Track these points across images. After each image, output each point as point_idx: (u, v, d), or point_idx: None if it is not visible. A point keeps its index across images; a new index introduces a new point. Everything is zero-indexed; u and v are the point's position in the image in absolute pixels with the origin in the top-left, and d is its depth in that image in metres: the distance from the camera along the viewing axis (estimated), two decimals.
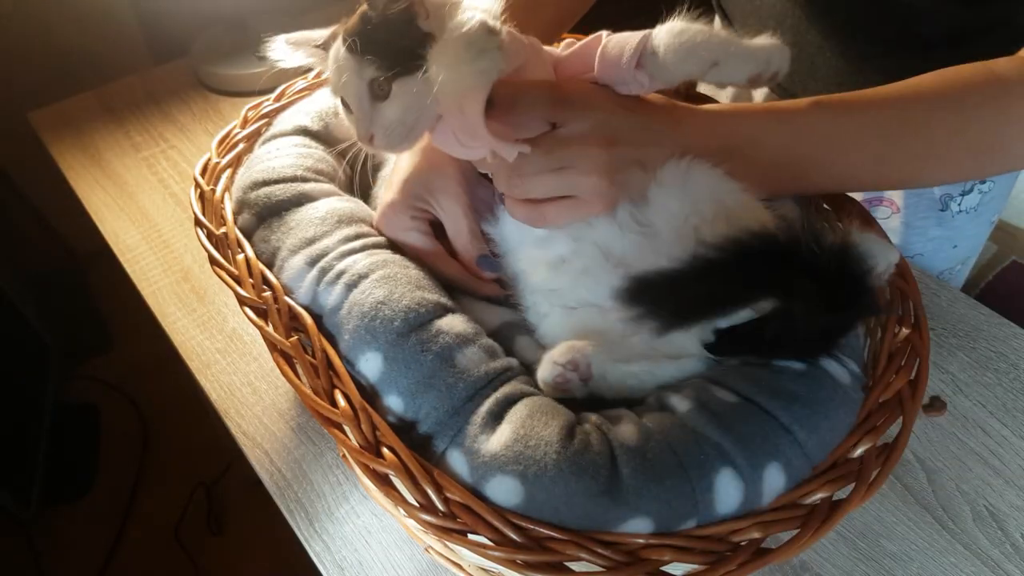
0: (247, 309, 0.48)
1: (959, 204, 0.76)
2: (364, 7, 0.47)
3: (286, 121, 0.63)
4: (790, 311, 0.42)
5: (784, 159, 0.50)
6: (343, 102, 0.49)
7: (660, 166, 0.48)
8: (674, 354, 0.46)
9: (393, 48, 0.45)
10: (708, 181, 0.48)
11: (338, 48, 0.48)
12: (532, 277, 0.51)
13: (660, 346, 0.45)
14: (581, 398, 0.46)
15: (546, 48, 0.52)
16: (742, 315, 0.43)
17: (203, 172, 0.58)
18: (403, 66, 0.45)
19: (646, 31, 0.48)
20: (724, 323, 0.44)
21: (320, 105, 0.64)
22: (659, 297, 0.42)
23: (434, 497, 0.39)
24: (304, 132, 0.62)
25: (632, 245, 0.48)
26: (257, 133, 0.63)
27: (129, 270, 0.76)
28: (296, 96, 0.66)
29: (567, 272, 0.50)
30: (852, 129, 0.50)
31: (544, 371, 0.45)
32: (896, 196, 0.77)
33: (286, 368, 0.45)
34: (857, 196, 0.63)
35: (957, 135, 0.50)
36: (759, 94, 0.87)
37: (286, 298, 0.48)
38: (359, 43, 0.46)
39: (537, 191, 0.48)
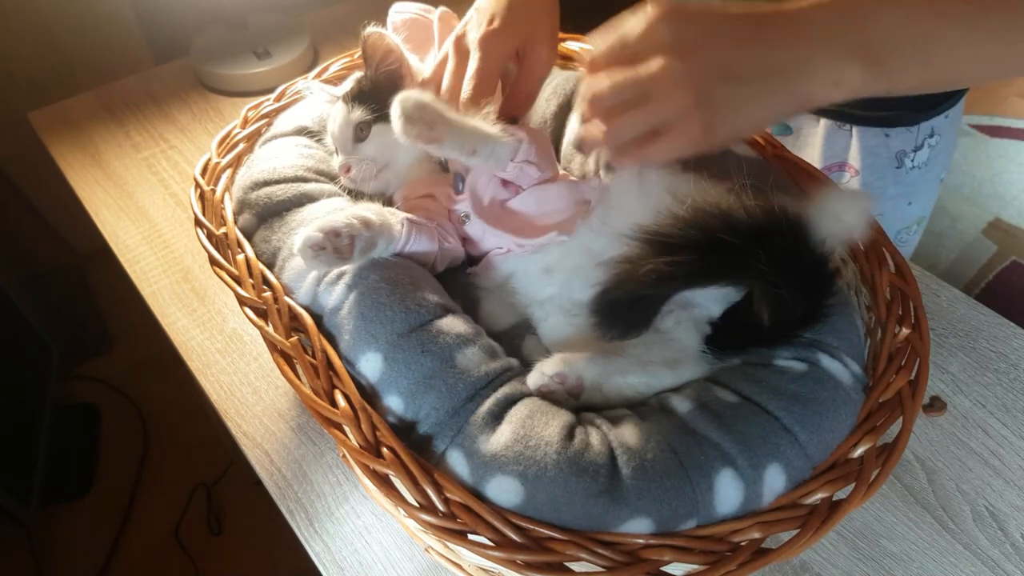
0: (247, 309, 0.48)
1: (912, 160, 0.77)
2: (361, 72, 0.59)
3: (286, 121, 0.63)
4: (776, 291, 0.42)
5: (913, 51, 0.43)
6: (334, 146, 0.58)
7: (755, 74, 0.42)
8: (671, 360, 0.46)
9: (379, 101, 0.56)
10: (661, 178, 0.48)
11: (338, 103, 0.58)
12: (528, 288, 0.52)
13: (657, 353, 0.45)
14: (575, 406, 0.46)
15: None
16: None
17: (203, 172, 0.58)
18: (383, 114, 0.55)
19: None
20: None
21: (320, 106, 0.64)
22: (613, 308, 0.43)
23: (434, 497, 0.39)
24: (305, 132, 0.62)
25: (608, 245, 0.47)
26: (257, 133, 0.63)
27: (129, 270, 0.76)
28: (296, 96, 0.66)
29: (557, 276, 0.51)
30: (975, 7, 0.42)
31: (531, 379, 0.45)
32: (854, 159, 0.77)
33: (286, 368, 0.45)
34: (817, 164, 0.63)
35: None
36: None
37: (286, 298, 0.48)
38: (352, 95, 0.58)
39: (626, 132, 0.44)
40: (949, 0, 0.43)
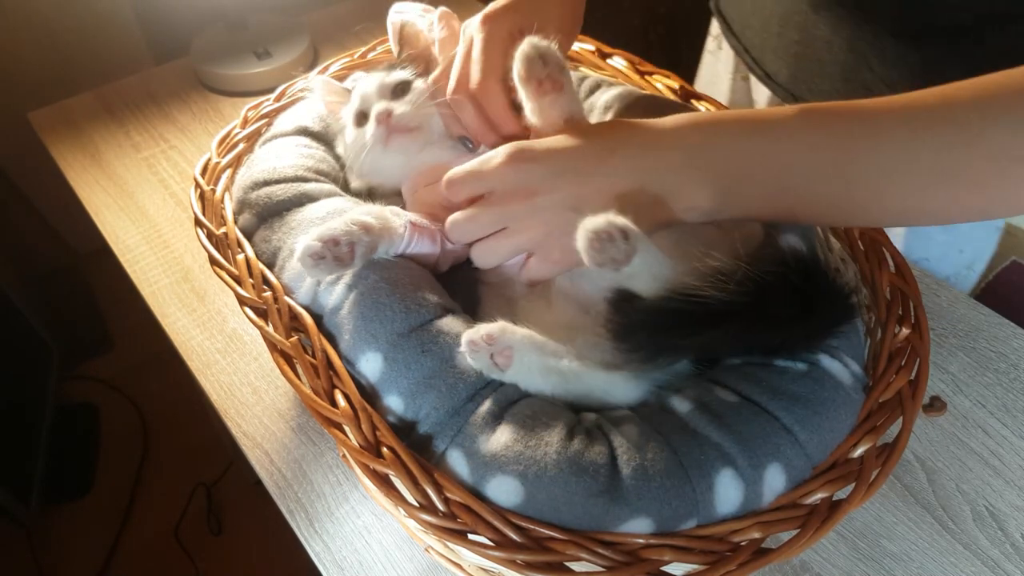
0: (247, 309, 0.48)
1: None
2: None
3: (286, 121, 0.63)
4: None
5: (760, 178, 0.43)
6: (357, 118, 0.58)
7: (600, 205, 0.43)
8: (611, 364, 0.44)
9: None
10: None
11: (368, 78, 0.59)
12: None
13: (599, 354, 0.44)
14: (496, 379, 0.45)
15: None
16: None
17: (203, 172, 0.58)
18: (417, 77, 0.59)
19: None
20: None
21: (320, 106, 0.64)
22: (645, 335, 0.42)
23: (434, 497, 0.39)
24: (305, 132, 0.62)
25: None
26: (257, 133, 0.63)
27: (129, 270, 0.76)
28: (296, 96, 0.66)
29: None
30: (844, 143, 0.42)
31: (464, 334, 0.44)
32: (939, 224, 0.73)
33: (286, 368, 0.45)
34: None
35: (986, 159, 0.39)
36: (761, 99, 0.86)
37: (286, 298, 0.48)
38: (388, 66, 0.61)
39: (494, 261, 0.49)
40: (805, 141, 0.43)
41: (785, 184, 0.44)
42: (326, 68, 0.68)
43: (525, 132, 0.53)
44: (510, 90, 0.53)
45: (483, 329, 0.43)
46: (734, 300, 0.39)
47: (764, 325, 0.41)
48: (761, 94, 0.85)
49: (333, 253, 0.46)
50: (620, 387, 0.45)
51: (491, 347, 0.43)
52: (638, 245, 0.41)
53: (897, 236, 0.77)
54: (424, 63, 0.61)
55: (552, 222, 0.46)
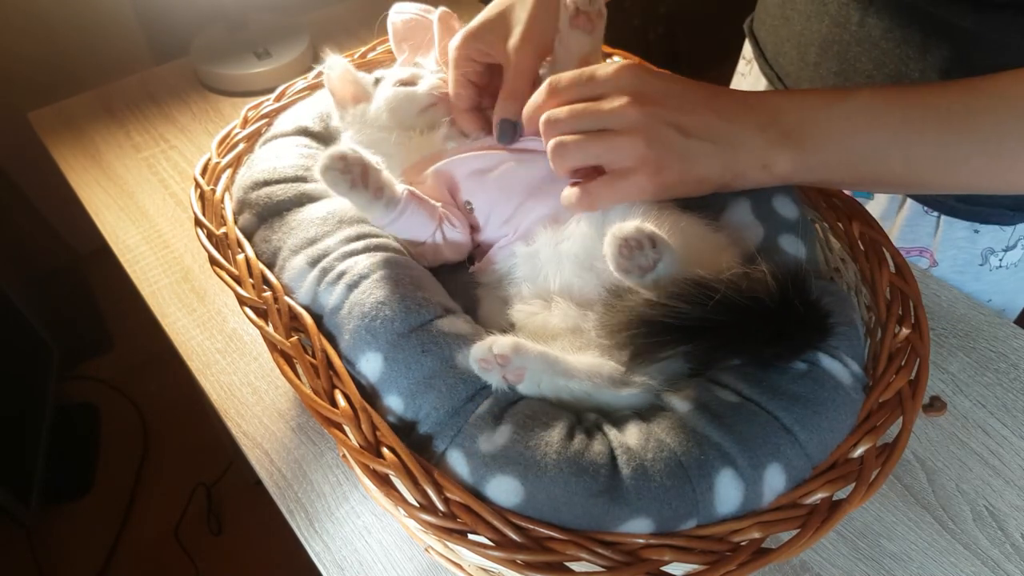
0: (247, 309, 0.48)
1: (1000, 259, 0.72)
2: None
3: (287, 121, 0.63)
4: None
5: (838, 145, 0.47)
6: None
7: (703, 134, 0.46)
8: (619, 381, 0.45)
9: None
10: (623, 207, 0.48)
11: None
12: (528, 278, 0.52)
13: (608, 370, 0.44)
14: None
15: None
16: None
17: (203, 172, 0.58)
18: None
19: None
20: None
21: (321, 106, 0.64)
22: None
23: (434, 497, 0.39)
24: (305, 132, 0.62)
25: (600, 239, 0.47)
26: (257, 133, 0.63)
27: (129, 270, 0.76)
28: (296, 96, 0.66)
29: (558, 265, 0.51)
30: (914, 116, 0.46)
31: (474, 351, 0.43)
32: (936, 247, 0.73)
33: (286, 368, 0.45)
34: (896, 244, 0.60)
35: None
36: None
37: (286, 298, 0.49)
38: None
39: (576, 157, 0.47)
40: (884, 111, 0.47)
41: (858, 154, 0.47)
42: None
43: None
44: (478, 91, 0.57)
45: (496, 347, 0.43)
46: (708, 318, 0.40)
47: (735, 345, 0.42)
48: None
49: (343, 167, 0.47)
50: (626, 401, 0.45)
51: (504, 367, 0.43)
52: (664, 253, 0.42)
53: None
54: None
55: (654, 135, 0.45)
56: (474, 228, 0.55)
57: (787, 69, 0.77)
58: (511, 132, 0.54)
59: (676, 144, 0.46)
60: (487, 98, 0.58)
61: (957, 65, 0.62)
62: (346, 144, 0.48)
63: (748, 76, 0.90)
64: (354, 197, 0.49)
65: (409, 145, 0.57)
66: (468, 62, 0.56)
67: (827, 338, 0.44)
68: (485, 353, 0.43)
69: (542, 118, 0.48)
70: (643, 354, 0.42)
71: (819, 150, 0.47)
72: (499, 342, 0.43)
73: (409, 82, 0.59)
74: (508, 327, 0.52)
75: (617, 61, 0.48)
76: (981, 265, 0.72)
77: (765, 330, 0.41)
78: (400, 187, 0.51)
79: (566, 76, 0.48)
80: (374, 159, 0.49)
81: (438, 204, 0.53)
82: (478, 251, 0.57)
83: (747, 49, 0.89)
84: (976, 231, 0.70)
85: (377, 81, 0.61)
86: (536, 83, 0.52)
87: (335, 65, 0.60)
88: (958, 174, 0.48)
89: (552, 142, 0.47)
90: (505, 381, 0.43)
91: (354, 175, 0.48)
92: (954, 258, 0.72)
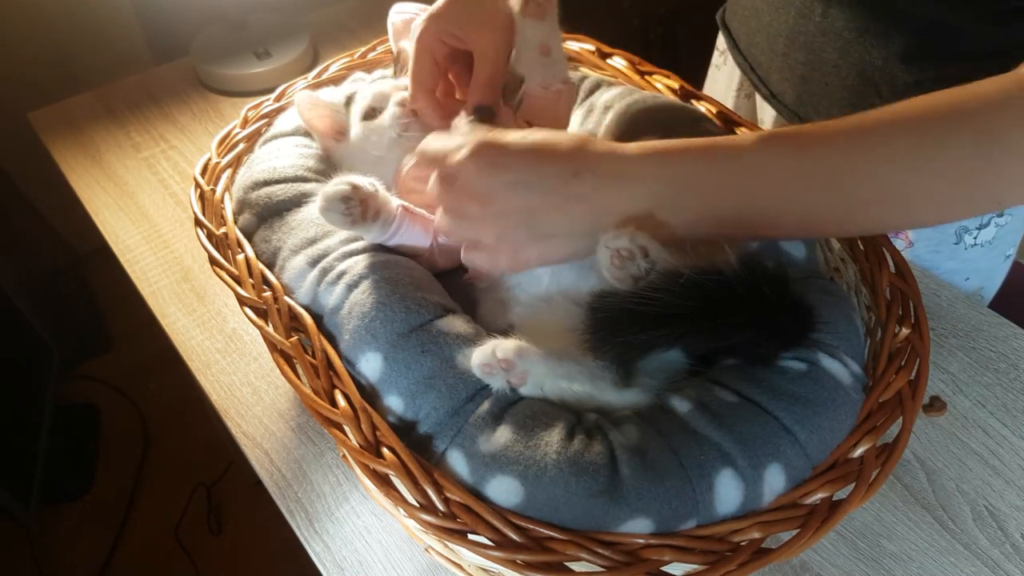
0: (247, 309, 0.48)
1: (974, 238, 0.73)
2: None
3: (286, 121, 0.63)
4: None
5: (724, 204, 0.44)
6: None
7: (555, 230, 0.45)
8: (621, 382, 0.45)
9: None
10: None
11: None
12: (521, 282, 0.52)
13: (611, 371, 0.45)
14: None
15: None
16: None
17: (203, 172, 0.58)
18: None
19: None
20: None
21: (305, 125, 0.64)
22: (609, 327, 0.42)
23: (434, 497, 0.39)
24: (305, 132, 0.62)
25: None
26: (257, 133, 0.63)
27: (129, 270, 0.76)
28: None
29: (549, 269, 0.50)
30: (804, 168, 0.43)
31: (477, 356, 0.43)
32: (909, 230, 0.73)
33: (286, 368, 0.45)
34: None
35: (934, 169, 0.41)
36: (767, 118, 0.85)
37: (286, 298, 0.49)
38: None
39: (454, 238, 0.49)
40: (770, 165, 0.43)
41: (749, 207, 0.44)
42: (326, 68, 0.68)
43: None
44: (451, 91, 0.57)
45: (500, 351, 0.42)
46: (678, 303, 0.40)
47: (707, 330, 0.41)
48: (767, 113, 0.83)
49: (346, 208, 0.47)
50: (629, 400, 0.45)
51: (508, 372, 0.43)
52: (658, 261, 0.42)
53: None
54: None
55: (505, 232, 0.45)
56: None
57: (759, 59, 0.79)
58: (490, 117, 0.53)
59: (524, 238, 0.45)
60: (445, 82, 0.58)
61: (918, 52, 0.63)
62: (343, 182, 0.48)
63: (723, 67, 0.91)
64: (355, 230, 0.50)
65: (396, 156, 0.57)
66: (437, 43, 0.55)
67: (811, 326, 0.43)
68: (488, 358, 0.43)
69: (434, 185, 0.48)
70: (625, 352, 0.42)
71: (701, 217, 0.44)
72: (502, 346, 0.43)
73: (377, 108, 0.58)
74: (507, 327, 0.52)
75: (469, 145, 0.45)
76: (956, 244, 0.73)
77: (737, 314, 0.41)
78: (395, 203, 0.51)
79: (430, 149, 0.48)
80: (367, 181, 0.49)
81: (432, 216, 0.53)
82: None
83: (720, 41, 0.90)
84: None
85: (349, 100, 0.61)
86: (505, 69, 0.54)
87: (302, 101, 0.60)
88: (855, 221, 0.46)
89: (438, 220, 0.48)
90: (508, 385, 0.43)
91: (354, 215, 0.48)
92: (929, 237, 0.74)
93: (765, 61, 0.77)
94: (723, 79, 0.91)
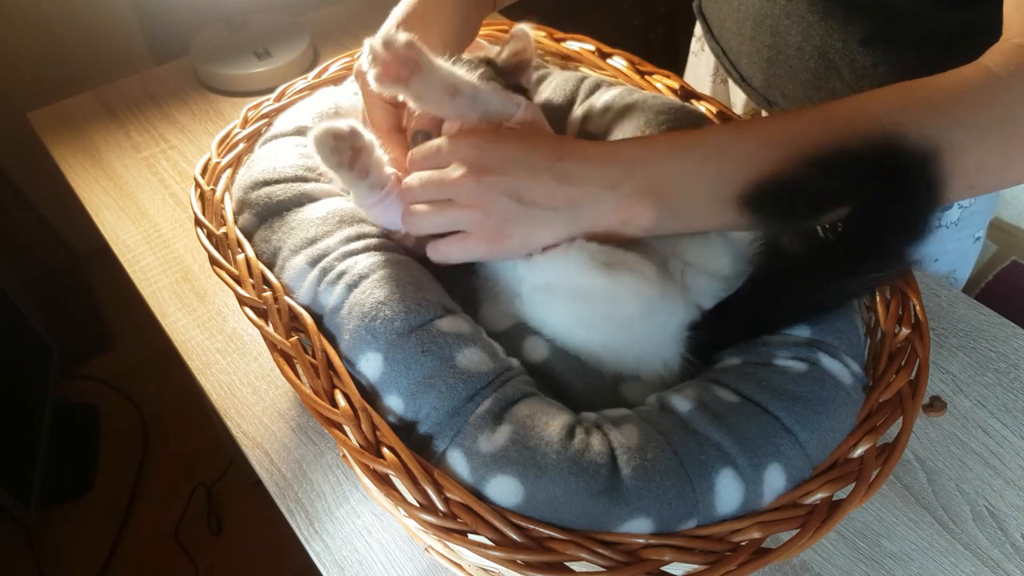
0: (247, 309, 0.48)
1: (940, 218, 0.74)
2: None
3: (286, 121, 0.63)
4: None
5: (693, 194, 0.46)
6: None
7: (542, 202, 0.46)
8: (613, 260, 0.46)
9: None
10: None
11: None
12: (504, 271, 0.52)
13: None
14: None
15: None
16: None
17: (203, 172, 0.58)
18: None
19: None
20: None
21: (320, 105, 0.64)
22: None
23: (434, 497, 0.39)
24: (305, 132, 0.62)
25: None
26: (257, 133, 0.63)
27: (129, 270, 0.76)
28: (296, 96, 0.66)
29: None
30: (764, 153, 0.44)
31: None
32: None
33: (286, 368, 0.45)
34: None
35: None
36: (739, 102, 0.86)
37: (286, 298, 0.49)
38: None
39: (425, 226, 0.49)
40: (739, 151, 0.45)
41: (718, 198, 0.45)
42: (326, 68, 0.68)
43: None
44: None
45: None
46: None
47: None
48: (739, 97, 0.85)
49: (335, 144, 0.47)
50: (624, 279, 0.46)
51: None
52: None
53: None
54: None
55: (492, 206, 0.46)
56: None
57: (730, 44, 0.81)
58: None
59: (513, 213, 0.46)
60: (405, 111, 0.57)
61: (876, 35, 0.66)
62: (345, 122, 0.47)
63: (701, 55, 0.93)
64: (340, 174, 0.49)
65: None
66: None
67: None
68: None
69: (403, 186, 0.50)
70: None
71: (681, 200, 0.46)
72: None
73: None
74: (509, 326, 0.52)
75: (462, 135, 0.48)
76: None
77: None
78: (389, 171, 0.50)
79: (419, 150, 0.50)
80: (372, 138, 0.49)
81: None
82: None
83: (698, 29, 0.92)
84: None
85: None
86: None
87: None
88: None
89: (405, 210, 0.49)
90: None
91: (341, 158, 0.47)
92: None
93: (735, 45, 0.79)
94: (701, 66, 0.93)
